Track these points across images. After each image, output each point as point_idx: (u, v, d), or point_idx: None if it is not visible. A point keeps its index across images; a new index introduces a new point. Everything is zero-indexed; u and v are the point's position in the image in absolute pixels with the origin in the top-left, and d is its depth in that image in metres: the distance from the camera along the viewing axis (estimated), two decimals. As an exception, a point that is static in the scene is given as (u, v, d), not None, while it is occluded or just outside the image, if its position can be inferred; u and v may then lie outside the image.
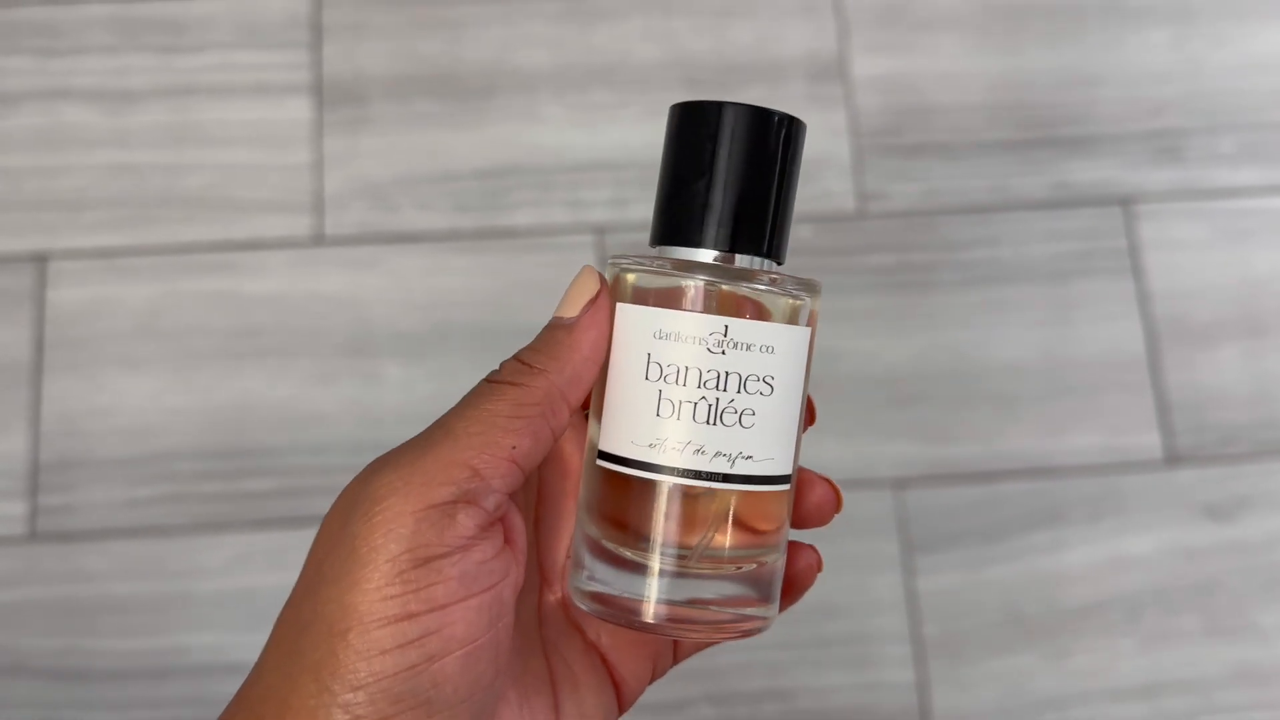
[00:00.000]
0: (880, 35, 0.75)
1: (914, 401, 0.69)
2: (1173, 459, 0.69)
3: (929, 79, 0.75)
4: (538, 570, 0.32)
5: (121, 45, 0.74)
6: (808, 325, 0.31)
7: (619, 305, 0.30)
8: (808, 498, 0.33)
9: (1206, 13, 0.76)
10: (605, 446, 0.30)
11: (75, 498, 0.67)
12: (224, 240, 0.71)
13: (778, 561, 0.31)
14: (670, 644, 0.34)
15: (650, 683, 0.33)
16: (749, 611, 0.30)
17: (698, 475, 0.29)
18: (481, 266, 0.71)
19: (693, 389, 0.29)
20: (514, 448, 0.27)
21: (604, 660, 0.32)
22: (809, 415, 0.33)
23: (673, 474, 0.29)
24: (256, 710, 0.26)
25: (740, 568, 0.30)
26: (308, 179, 0.72)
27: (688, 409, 0.29)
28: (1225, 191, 0.73)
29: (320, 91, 0.73)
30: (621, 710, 0.33)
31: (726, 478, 0.29)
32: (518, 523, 0.29)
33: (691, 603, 0.30)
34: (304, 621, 0.26)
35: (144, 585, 0.66)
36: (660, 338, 0.29)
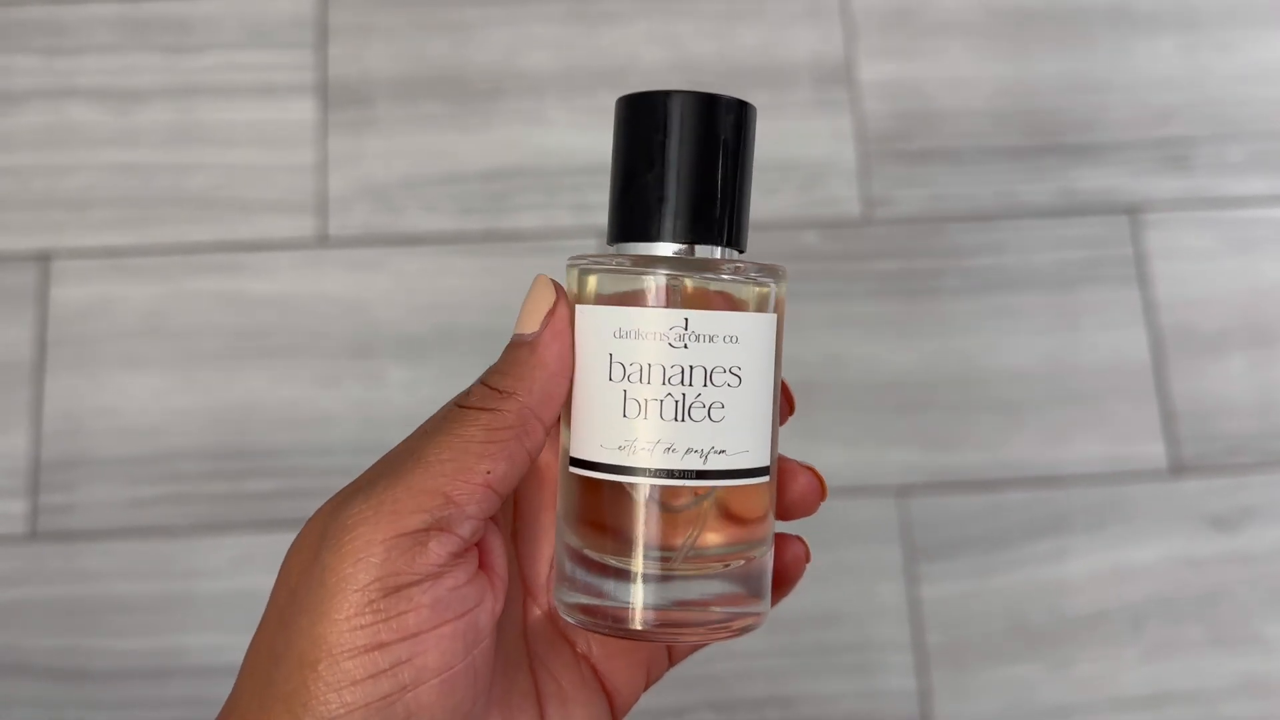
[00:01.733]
0: (887, 40, 0.75)
1: (918, 408, 0.69)
2: (1178, 469, 0.69)
3: (936, 84, 0.75)
4: (520, 585, 0.32)
5: (127, 45, 0.74)
6: (774, 311, 0.30)
7: (579, 308, 0.29)
8: (791, 488, 0.32)
9: (1215, 21, 0.76)
10: (576, 453, 0.29)
11: (77, 497, 0.67)
12: (228, 240, 0.71)
13: (766, 555, 0.30)
14: (664, 648, 0.33)
15: (646, 688, 0.33)
16: (740, 609, 0.30)
17: (670, 474, 0.28)
18: (486, 269, 0.70)
19: (657, 386, 0.28)
20: (489, 472, 0.27)
21: (595, 671, 0.32)
22: (787, 404, 0.32)
23: (645, 475, 0.28)
24: None
25: (728, 565, 0.30)
26: (312, 180, 0.72)
27: (654, 407, 0.28)
28: (1233, 201, 0.73)
29: (325, 92, 0.73)
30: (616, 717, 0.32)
31: (700, 474, 0.28)
32: (496, 546, 0.29)
33: (680, 605, 0.29)
34: (277, 652, 0.26)
35: (146, 585, 0.66)
36: (620, 336, 0.28)
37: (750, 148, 0.31)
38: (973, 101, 0.74)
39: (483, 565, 0.28)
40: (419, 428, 0.28)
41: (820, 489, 0.32)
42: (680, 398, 0.28)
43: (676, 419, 0.28)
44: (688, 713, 0.65)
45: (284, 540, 0.67)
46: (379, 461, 0.28)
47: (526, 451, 0.28)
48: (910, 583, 0.67)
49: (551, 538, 0.32)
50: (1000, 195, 0.73)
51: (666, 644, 0.33)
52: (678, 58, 0.74)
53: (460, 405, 0.28)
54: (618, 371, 0.28)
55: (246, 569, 0.66)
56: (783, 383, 0.32)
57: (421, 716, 0.26)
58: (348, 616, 0.25)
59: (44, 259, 0.70)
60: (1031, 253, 0.72)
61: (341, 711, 0.25)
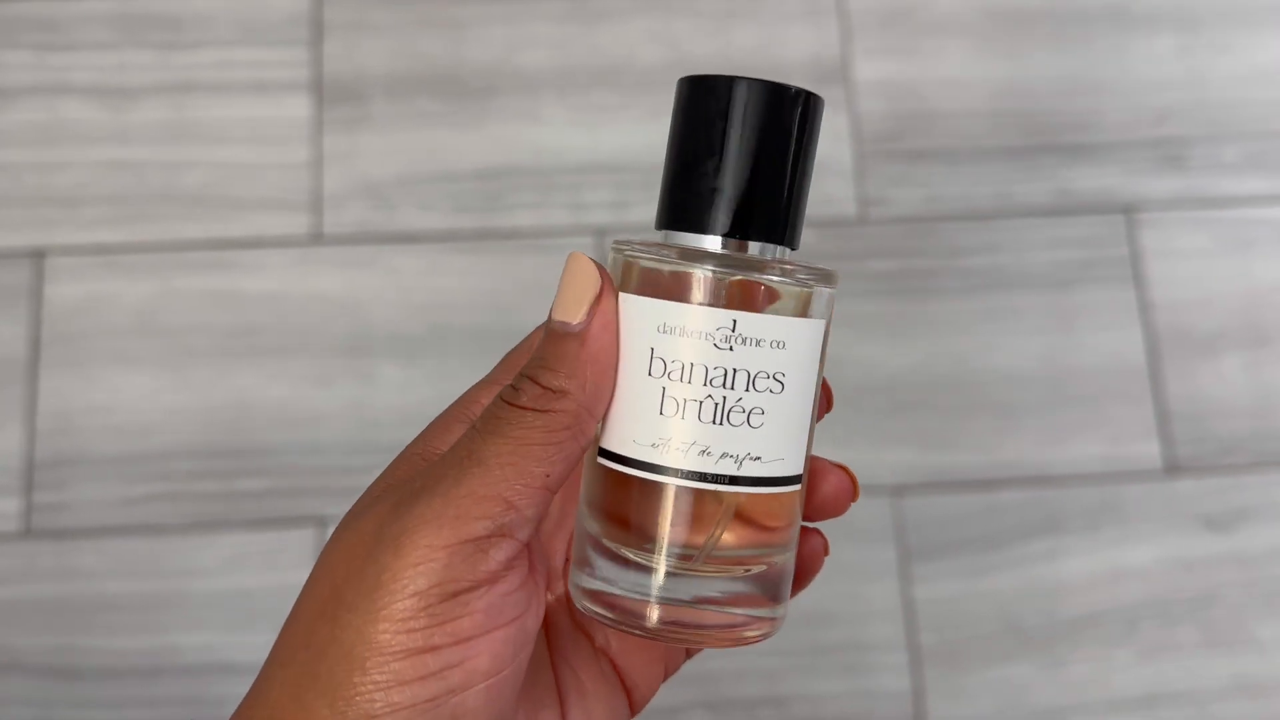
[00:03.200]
0: (883, 39, 0.75)
1: (913, 408, 0.69)
2: (1173, 469, 0.69)
3: (932, 84, 0.74)
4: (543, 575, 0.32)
5: (121, 41, 0.74)
6: (823, 317, 0.29)
7: (623, 295, 0.28)
8: (821, 487, 0.31)
9: (1211, 21, 0.76)
10: (607, 445, 0.28)
11: (70, 495, 0.67)
12: (222, 238, 0.71)
13: (787, 561, 0.30)
14: None
15: (665, 679, 0.33)
16: (757, 613, 0.29)
17: (703, 478, 0.27)
18: (481, 267, 0.70)
19: (698, 387, 0.27)
20: (548, 475, 0.26)
21: (613, 665, 0.32)
22: (826, 400, 0.31)
23: (676, 475, 0.27)
24: None
25: (749, 569, 0.29)
26: (306, 177, 0.72)
27: (693, 408, 0.27)
28: (1228, 201, 0.73)
29: (320, 89, 0.73)
30: (634, 714, 0.32)
31: (733, 480, 0.27)
32: (538, 545, 0.29)
33: (696, 605, 0.28)
34: (319, 645, 0.25)
35: (138, 584, 0.66)
36: (664, 332, 0.27)
37: (814, 142, 0.29)
38: (969, 101, 0.74)
39: (530, 568, 0.28)
40: (470, 430, 0.27)
41: (853, 489, 0.32)
42: (720, 400, 0.27)
43: (715, 422, 0.27)
44: (681, 712, 0.65)
45: (277, 539, 0.67)
46: (434, 465, 0.27)
47: (580, 449, 0.27)
48: (904, 583, 0.67)
49: (568, 528, 0.32)
50: (996, 195, 0.73)
51: (676, 645, 0.32)
52: (675, 56, 0.74)
53: (511, 404, 0.27)
54: (658, 367, 0.27)
55: (239, 568, 0.66)
56: (826, 385, 0.31)
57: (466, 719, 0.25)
58: (403, 619, 0.25)
59: (38, 256, 0.70)
60: (1027, 253, 0.72)
61: (386, 711, 0.25)
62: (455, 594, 0.25)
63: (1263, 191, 0.73)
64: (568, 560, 0.32)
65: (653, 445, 0.27)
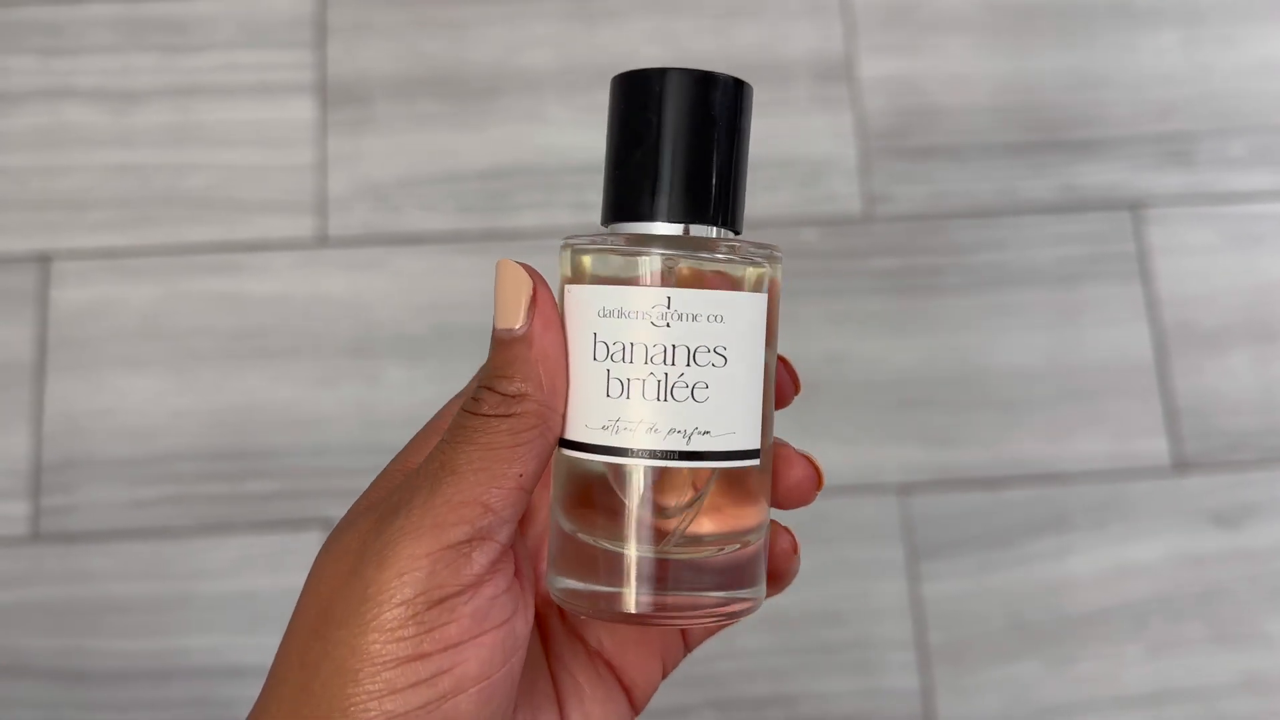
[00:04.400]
0: (887, 36, 0.75)
1: (920, 406, 0.69)
2: (1180, 465, 0.69)
3: (936, 81, 0.74)
4: (532, 582, 0.32)
5: (124, 45, 0.74)
6: (765, 292, 0.29)
7: (567, 288, 0.29)
8: (787, 476, 0.32)
9: (1216, 15, 0.76)
10: (565, 434, 0.29)
11: (77, 498, 0.67)
12: (227, 241, 0.71)
13: (760, 541, 0.30)
14: (679, 636, 0.33)
15: (664, 678, 0.33)
16: (735, 594, 0.29)
17: (653, 454, 0.28)
18: (485, 268, 0.70)
19: (640, 365, 0.27)
20: (520, 475, 0.27)
21: (609, 666, 0.32)
22: (793, 384, 0.32)
23: (629, 455, 0.28)
24: None
25: (722, 549, 0.29)
26: (311, 180, 0.72)
27: (636, 386, 0.28)
28: (1235, 196, 0.73)
29: (324, 92, 0.73)
30: (637, 712, 0.32)
31: (684, 455, 0.28)
32: (520, 551, 0.29)
33: (674, 589, 0.29)
34: (312, 662, 0.26)
35: (146, 586, 0.66)
36: (605, 315, 0.28)
37: (746, 128, 0.30)
38: (973, 97, 0.74)
39: (515, 571, 0.28)
40: (440, 442, 0.28)
41: (817, 478, 0.32)
42: (663, 377, 0.27)
43: (659, 398, 0.27)
44: (690, 712, 0.65)
45: (284, 541, 0.68)
46: (409, 477, 0.28)
47: (549, 444, 0.28)
48: (912, 581, 0.67)
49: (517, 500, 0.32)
50: (1001, 192, 0.72)
51: (657, 627, 0.32)
52: (677, 55, 0.74)
53: (473, 413, 0.27)
54: (601, 351, 0.28)
55: (246, 569, 0.66)
56: (788, 362, 0.32)
57: None
58: (391, 629, 0.25)
59: (43, 260, 0.70)
60: (1033, 249, 0.71)
61: (381, 719, 0.25)
62: (441, 600, 0.26)
63: (1270, 186, 0.73)
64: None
65: (603, 427, 0.28)
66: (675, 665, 0.33)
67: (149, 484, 0.67)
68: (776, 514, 0.32)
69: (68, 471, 0.67)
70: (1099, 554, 0.67)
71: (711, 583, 0.29)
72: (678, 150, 0.29)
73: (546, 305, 0.28)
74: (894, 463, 0.68)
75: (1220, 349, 0.70)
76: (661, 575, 0.29)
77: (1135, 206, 0.72)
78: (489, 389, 0.28)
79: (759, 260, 0.29)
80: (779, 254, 0.30)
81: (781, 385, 0.32)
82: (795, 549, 0.33)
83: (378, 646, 0.25)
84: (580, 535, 0.29)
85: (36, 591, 0.66)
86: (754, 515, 0.30)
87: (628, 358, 0.28)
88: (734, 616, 0.29)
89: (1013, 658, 0.66)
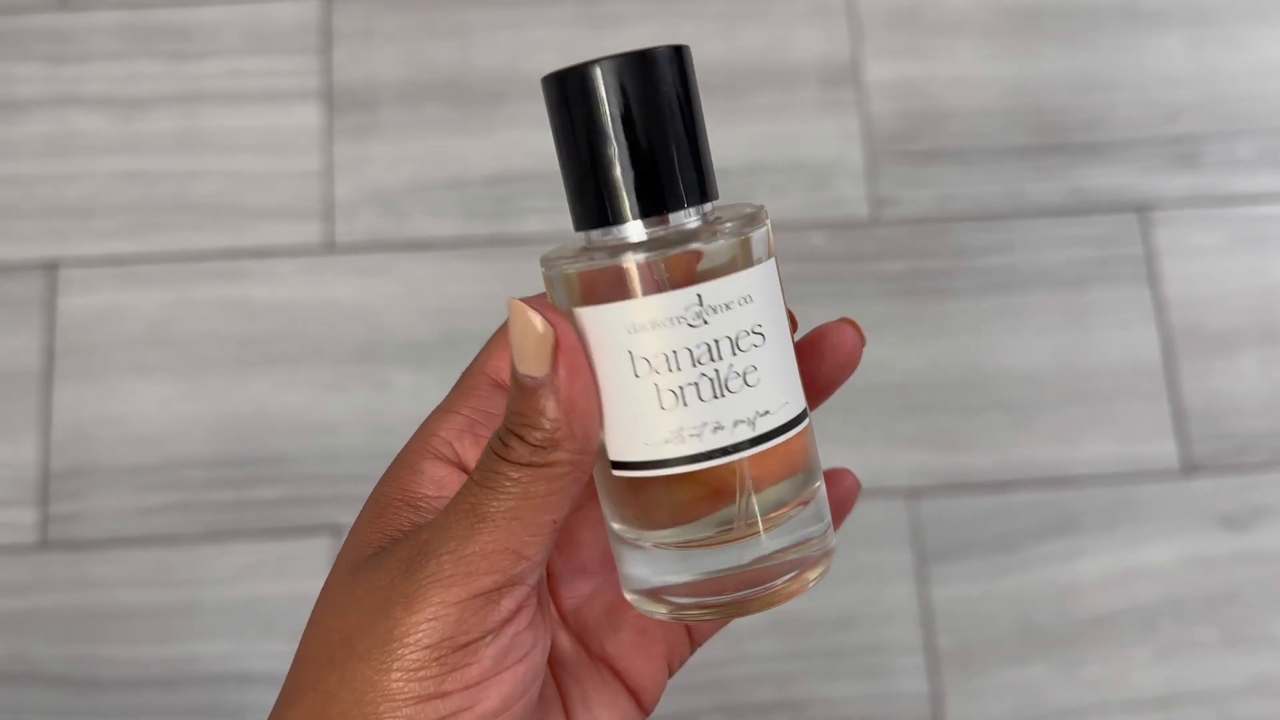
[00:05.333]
0: (893, 39, 0.75)
1: (927, 410, 0.69)
2: (1189, 468, 0.69)
3: (943, 84, 0.74)
4: (549, 604, 0.32)
5: (130, 52, 0.74)
6: (770, 255, 0.29)
7: (577, 311, 0.27)
8: (829, 345, 0.32)
9: (1223, 17, 0.75)
10: (618, 456, 0.28)
11: (85, 506, 0.67)
12: (234, 247, 0.71)
13: (820, 488, 0.30)
14: (684, 634, 0.33)
15: (672, 675, 0.33)
16: (813, 551, 0.29)
17: (724, 452, 0.27)
18: (492, 274, 0.70)
19: (688, 371, 0.27)
20: (554, 521, 0.27)
21: (614, 671, 0.32)
22: (792, 324, 0.31)
23: (699, 460, 0.27)
24: None
25: (791, 512, 0.29)
26: (317, 186, 0.72)
27: (691, 391, 0.27)
28: (1242, 198, 0.73)
29: (330, 97, 0.73)
30: (646, 713, 0.32)
31: (754, 441, 0.27)
32: (541, 577, 0.29)
33: (755, 568, 0.28)
34: (328, 689, 0.26)
35: (154, 593, 0.66)
36: (635, 331, 0.27)
37: (694, 92, 0.28)
38: (980, 101, 0.74)
39: (538, 601, 0.28)
40: (470, 483, 0.27)
41: (859, 336, 0.32)
42: (714, 375, 0.27)
43: (716, 396, 0.27)
44: (698, 717, 0.65)
45: (292, 548, 0.67)
46: (440, 518, 0.27)
47: (581, 486, 0.28)
48: (921, 585, 0.67)
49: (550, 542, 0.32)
50: (1008, 195, 0.72)
51: (752, 613, 0.32)
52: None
53: (505, 460, 0.27)
54: (642, 367, 0.27)
55: (255, 576, 0.66)
56: (854, 324, 0.32)
57: None
58: (414, 669, 0.26)
59: (50, 268, 0.70)
60: (1040, 252, 0.71)
61: None
62: (466, 644, 0.26)
63: (1277, 188, 0.73)
64: (550, 573, 0.32)
65: (665, 441, 0.27)
66: (682, 664, 0.33)
67: (157, 491, 0.67)
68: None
69: (76, 479, 0.67)
70: (1108, 557, 0.67)
71: (786, 549, 0.29)
72: (635, 140, 0.27)
73: (570, 350, 0.27)
74: (902, 466, 0.68)
75: (1228, 351, 0.70)
76: (745, 557, 0.28)
77: (1142, 209, 0.72)
78: (518, 436, 0.27)
79: (750, 227, 0.28)
80: (764, 213, 0.29)
81: (851, 348, 0.33)
82: (858, 485, 0.33)
83: (399, 684, 0.25)
84: (647, 542, 0.29)
85: (45, 599, 0.66)
86: (805, 464, 0.30)
87: (673, 366, 0.27)
88: (817, 578, 0.29)
89: (1022, 661, 0.66)
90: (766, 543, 0.29)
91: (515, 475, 0.27)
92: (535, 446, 0.27)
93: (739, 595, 0.28)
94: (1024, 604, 0.66)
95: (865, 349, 0.33)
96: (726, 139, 0.72)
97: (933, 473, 0.68)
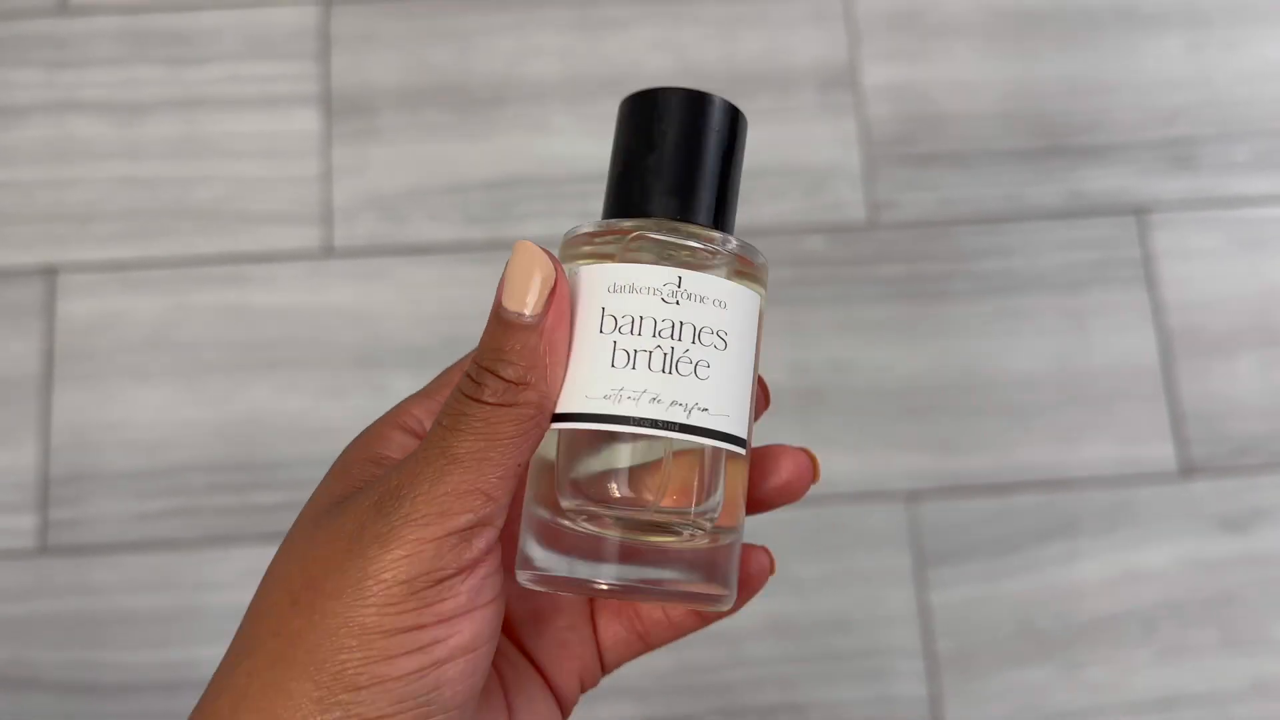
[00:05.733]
0: (891, 43, 0.75)
1: (926, 413, 0.69)
2: (1187, 470, 0.69)
3: (941, 87, 0.74)
4: None
5: (129, 57, 0.74)
6: (758, 298, 0.30)
7: (571, 268, 0.29)
8: (781, 469, 0.32)
9: (1221, 19, 0.76)
10: (560, 408, 0.29)
11: (85, 511, 0.67)
12: (233, 252, 0.71)
13: (734, 541, 0.30)
14: (596, 655, 0.34)
15: (582, 693, 0.34)
16: (708, 589, 0.30)
17: (654, 424, 0.28)
18: (491, 278, 0.70)
19: (648, 338, 0.28)
20: (519, 465, 0.27)
21: (536, 668, 0.33)
22: (764, 397, 0.33)
23: (630, 423, 0.28)
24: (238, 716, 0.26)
25: (694, 536, 0.30)
26: (317, 191, 0.72)
27: (643, 357, 0.28)
28: (1240, 200, 0.73)
29: (329, 103, 0.73)
30: (563, 716, 0.33)
31: (683, 427, 0.28)
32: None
33: (648, 567, 0.29)
34: (292, 632, 0.26)
35: (154, 598, 0.66)
36: (615, 291, 0.29)
37: (740, 149, 0.32)
38: (978, 104, 0.74)
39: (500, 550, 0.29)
40: (438, 426, 0.28)
41: (812, 469, 0.33)
42: (669, 350, 0.28)
43: (664, 370, 0.28)
44: (698, 721, 0.65)
45: (293, 553, 0.67)
46: (407, 463, 0.28)
47: (543, 433, 0.28)
48: (920, 588, 0.67)
49: (513, 487, 0.33)
50: (1007, 198, 0.72)
51: (632, 601, 0.33)
52: (681, 64, 0.74)
53: (475, 399, 0.27)
54: (609, 324, 0.28)
55: (254, 581, 0.66)
56: (761, 379, 0.32)
57: (444, 691, 0.27)
58: (390, 603, 0.26)
59: (50, 273, 0.70)
60: (1039, 255, 0.72)
61: (371, 683, 0.26)
62: (441, 580, 0.26)
63: (1275, 190, 0.73)
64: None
65: (604, 397, 0.28)
66: (594, 684, 0.34)
67: (157, 496, 0.67)
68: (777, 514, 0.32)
69: (75, 484, 0.67)
70: (1107, 560, 0.67)
71: (683, 567, 0.30)
72: (684, 157, 0.30)
73: (563, 296, 0.28)
74: (901, 470, 0.68)
75: (1227, 353, 0.70)
76: (639, 552, 0.29)
77: (1140, 212, 0.72)
78: (492, 373, 0.27)
79: (756, 274, 0.30)
80: (766, 268, 0.31)
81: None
82: (772, 567, 0.33)
83: (375, 619, 0.26)
84: (561, 521, 0.29)
85: (45, 604, 0.66)
86: (731, 511, 0.30)
87: (636, 330, 0.28)
88: (706, 605, 0.30)
89: (1022, 664, 0.66)
90: (661, 557, 0.29)
91: (484, 415, 0.27)
92: (507, 383, 0.27)
93: (599, 580, 0.29)
94: (1023, 607, 0.66)
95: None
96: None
97: (932, 476, 0.68)
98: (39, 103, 0.73)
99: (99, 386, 0.69)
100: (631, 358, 0.28)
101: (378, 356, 0.69)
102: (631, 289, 0.29)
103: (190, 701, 0.67)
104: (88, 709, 0.64)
